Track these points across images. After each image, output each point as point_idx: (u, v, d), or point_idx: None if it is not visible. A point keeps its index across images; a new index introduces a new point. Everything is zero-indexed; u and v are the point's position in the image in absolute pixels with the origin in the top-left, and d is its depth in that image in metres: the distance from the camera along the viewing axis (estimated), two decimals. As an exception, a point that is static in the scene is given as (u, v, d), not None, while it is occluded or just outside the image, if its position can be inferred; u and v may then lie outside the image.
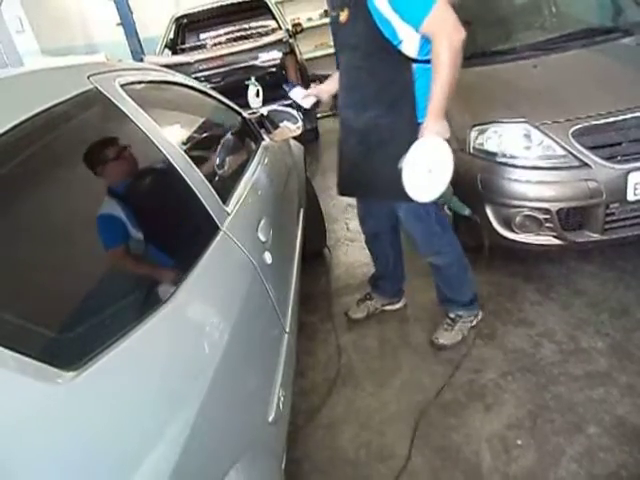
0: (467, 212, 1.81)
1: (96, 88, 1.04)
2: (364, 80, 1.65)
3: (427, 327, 2.09)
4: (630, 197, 1.94)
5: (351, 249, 2.93)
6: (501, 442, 1.57)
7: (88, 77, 1.04)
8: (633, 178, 1.91)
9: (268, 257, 1.33)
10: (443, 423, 1.67)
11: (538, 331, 1.99)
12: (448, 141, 1.72)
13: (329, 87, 1.98)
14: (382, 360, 2.03)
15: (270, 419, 1.07)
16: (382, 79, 1.61)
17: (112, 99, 1.06)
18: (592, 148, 1.96)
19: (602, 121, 1.98)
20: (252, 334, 1.12)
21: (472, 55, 2.62)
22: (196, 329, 0.92)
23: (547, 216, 2.03)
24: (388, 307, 2.26)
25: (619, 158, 1.94)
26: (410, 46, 1.54)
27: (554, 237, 2.07)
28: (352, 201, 3.43)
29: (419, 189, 1.55)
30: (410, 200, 1.58)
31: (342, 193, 1.95)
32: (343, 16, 1.61)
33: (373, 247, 2.15)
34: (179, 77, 1.77)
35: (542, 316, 2.07)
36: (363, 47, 1.60)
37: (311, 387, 1.95)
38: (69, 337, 0.70)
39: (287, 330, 1.38)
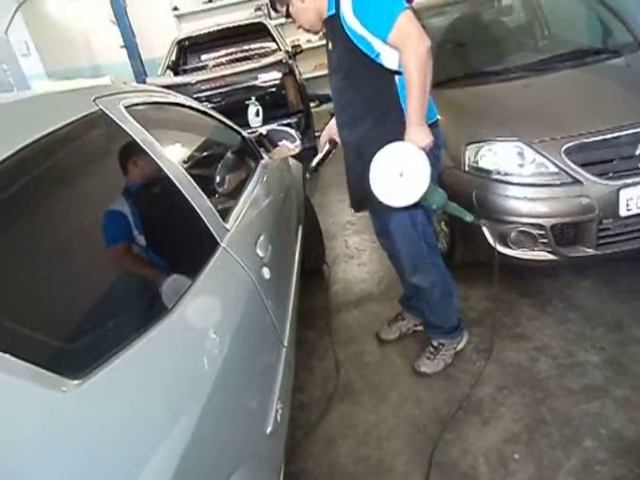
0: (469, 218, 1.71)
1: (101, 110, 1.08)
2: (351, 98, 1.70)
3: (425, 343, 2.10)
4: (622, 213, 1.97)
5: (349, 266, 2.96)
6: (498, 456, 1.58)
7: (94, 100, 1.09)
8: (624, 194, 1.95)
9: (266, 272, 1.36)
10: (441, 438, 1.68)
11: (535, 345, 2.01)
12: (439, 147, 1.75)
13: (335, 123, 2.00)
14: (380, 376, 2.04)
15: (268, 431, 1.09)
16: (367, 94, 1.66)
17: (117, 121, 1.10)
18: (584, 165, 2.00)
19: (593, 139, 2.03)
20: (250, 348, 1.14)
21: (466, 75, 2.71)
22: (197, 341, 0.95)
23: (541, 232, 2.06)
24: (421, 327, 2.15)
25: (610, 175, 1.99)
26: (389, 57, 1.58)
27: (549, 252, 2.10)
28: (351, 218, 3.49)
29: (388, 192, 1.55)
30: (398, 212, 1.60)
31: (353, 208, 1.95)
32: (329, 45, 1.70)
33: (394, 265, 2.06)
34: (180, 98, 1.83)
35: (539, 331, 2.09)
36: (346, 66, 1.65)
37: (309, 402, 1.96)
38: (75, 345, 0.73)
39: (285, 344, 1.41)
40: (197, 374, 0.89)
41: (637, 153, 1.99)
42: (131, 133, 1.13)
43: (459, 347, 2.03)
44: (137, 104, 1.32)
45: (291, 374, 1.47)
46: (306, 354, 2.21)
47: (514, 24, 3.33)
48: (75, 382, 0.65)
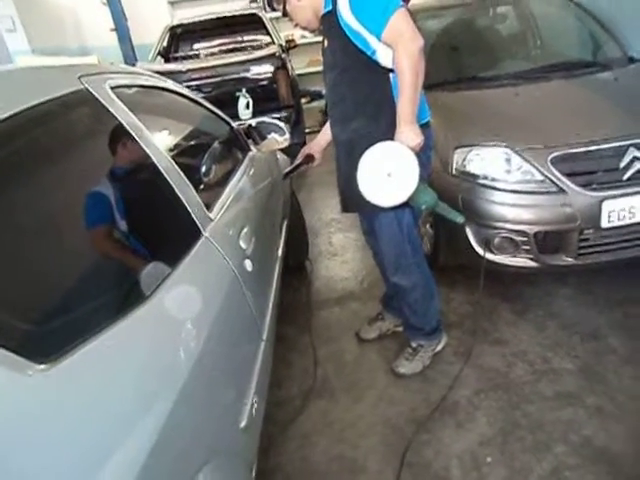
0: (460, 219, 1.68)
1: (86, 89, 1.05)
2: (345, 94, 1.69)
3: (404, 344, 2.10)
4: (604, 224, 2.00)
5: (332, 263, 2.96)
6: (472, 459, 1.59)
7: (79, 77, 1.05)
8: (607, 206, 1.98)
9: (249, 264, 1.34)
10: (415, 438, 1.68)
11: (512, 351, 2.03)
12: (430, 148, 1.75)
13: (320, 140, 2.03)
14: (358, 374, 2.04)
15: (242, 425, 1.07)
16: (361, 92, 1.65)
17: (101, 100, 1.07)
18: (569, 175, 2.02)
19: (579, 150, 2.05)
20: (228, 339, 1.13)
21: (458, 79, 2.72)
22: (173, 330, 0.92)
23: (524, 239, 2.08)
24: (400, 328, 2.14)
25: (594, 186, 2.01)
26: (384, 55, 1.58)
27: (531, 259, 2.12)
28: (336, 216, 3.48)
29: (376, 191, 1.55)
30: (384, 211, 1.59)
31: (342, 208, 1.93)
32: (325, 42, 1.69)
33: (378, 264, 2.06)
34: (170, 84, 1.79)
35: (517, 336, 2.11)
36: (341, 63, 1.65)
37: (286, 398, 1.94)
38: (44, 329, 0.70)
39: (264, 338, 1.39)
40: (172, 363, 0.87)
41: (621, 166, 2.02)
42: (116, 115, 1.10)
43: (438, 349, 2.04)
44: (124, 86, 1.29)
45: (269, 369, 1.45)
46: (285, 350, 2.19)
47: (507, 32, 3.36)
48: (42, 367, 0.63)
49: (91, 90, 1.05)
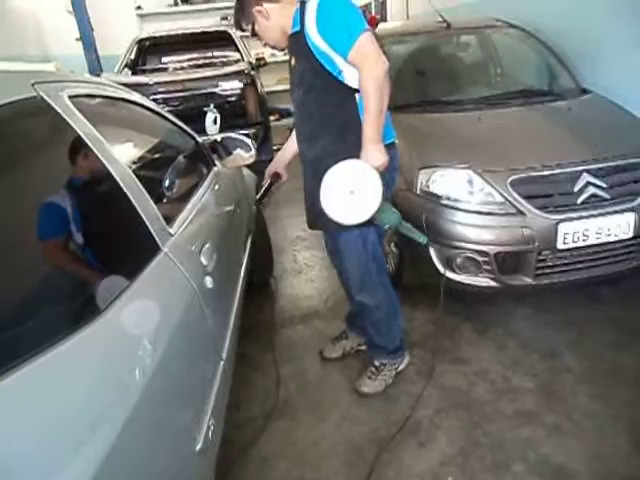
0: (423, 240, 1.68)
1: (40, 97, 1.01)
2: (312, 113, 1.71)
3: (367, 363, 2.09)
4: (560, 245, 2.07)
5: (297, 281, 2.93)
6: (433, 478, 1.58)
7: (33, 84, 1.01)
8: (562, 228, 2.05)
9: (209, 281, 1.31)
10: (377, 459, 1.66)
11: (473, 370, 2.05)
12: (395, 168, 1.78)
13: (283, 156, 2.04)
14: (321, 394, 2.01)
15: (197, 449, 1.03)
16: (328, 110, 1.67)
17: (57, 109, 1.03)
18: (527, 197, 2.09)
19: (536, 173, 2.13)
20: (185, 358, 1.09)
21: (423, 102, 2.80)
22: (126, 347, 0.88)
23: (486, 259, 2.12)
24: (364, 347, 2.13)
25: (551, 209, 2.09)
26: (351, 76, 1.61)
27: (491, 279, 2.17)
28: (301, 233, 3.47)
29: (339, 209, 1.55)
30: (349, 229, 1.60)
31: (309, 225, 1.92)
32: (292, 60, 1.71)
33: (342, 283, 2.02)
34: (135, 96, 1.76)
35: (478, 355, 2.14)
36: (308, 82, 1.67)
37: (247, 418, 1.89)
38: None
39: (223, 357, 1.35)
40: (123, 382, 0.83)
41: (575, 190, 2.10)
42: (73, 124, 1.06)
43: (400, 368, 2.04)
44: (84, 95, 1.25)
45: (227, 389, 1.40)
46: (247, 369, 2.14)
47: (470, 60, 3.49)
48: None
49: (46, 98, 1.01)
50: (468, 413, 1.83)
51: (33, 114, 1.01)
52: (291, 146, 1.97)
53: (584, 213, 2.07)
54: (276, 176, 2.04)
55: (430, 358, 2.12)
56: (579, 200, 2.09)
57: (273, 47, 1.79)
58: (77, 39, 5.49)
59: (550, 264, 2.13)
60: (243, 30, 1.78)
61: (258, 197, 2.11)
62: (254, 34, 1.73)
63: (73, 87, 1.21)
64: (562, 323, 2.29)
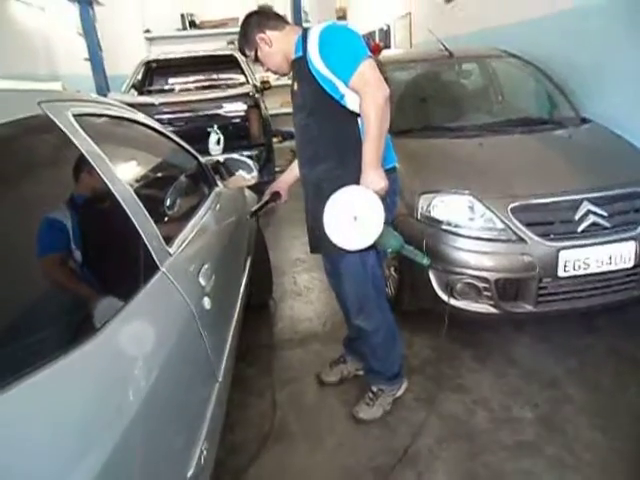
0: (426, 261, 1.68)
1: (46, 115, 1.02)
2: (314, 136, 1.72)
3: (365, 388, 2.06)
4: (560, 273, 2.06)
5: (297, 303, 2.91)
6: (430, 512, 1.54)
7: (39, 103, 1.02)
8: (563, 256, 2.05)
9: (207, 302, 1.29)
10: (374, 489, 1.62)
11: (473, 398, 2.02)
12: (395, 193, 1.78)
13: (287, 177, 2.06)
14: (318, 419, 1.97)
15: (189, 474, 1.00)
16: (330, 134, 1.69)
17: (61, 127, 1.04)
18: (528, 225, 2.09)
19: (537, 201, 2.14)
20: (180, 379, 1.07)
21: (424, 127, 2.82)
22: (121, 367, 0.87)
23: (486, 285, 2.11)
24: (362, 372, 2.11)
25: (551, 236, 2.08)
26: (352, 100, 1.62)
27: (491, 306, 2.15)
28: (302, 255, 3.47)
29: (342, 235, 1.55)
30: (350, 252, 1.60)
31: (310, 249, 1.91)
32: (295, 85, 1.74)
33: (341, 306, 2.00)
34: (140, 116, 1.78)
35: (478, 383, 2.11)
36: (310, 106, 1.69)
37: (242, 443, 1.85)
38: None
39: (219, 379, 1.33)
40: (115, 404, 0.81)
41: (576, 218, 2.11)
42: (77, 143, 1.07)
43: (398, 394, 2.01)
44: (89, 114, 1.26)
45: (223, 412, 1.38)
46: (243, 392, 2.11)
47: (472, 87, 3.54)
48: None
49: (51, 116, 1.02)
50: (468, 443, 1.79)
51: (38, 132, 1.01)
52: (294, 169, 1.98)
53: (585, 241, 2.07)
54: (276, 195, 2.04)
55: (429, 385, 2.09)
56: (580, 228, 2.09)
57: (275, 72, 1.82)
58: (86, 59, 5.60)
59: (551, 292, 2.12)
60: (246, 56, 1.82)
61: (253, 210, 2.11)
62: (257, 59, 1.77)
63: (78, 106, 1.22)
64: (563, 352, 2.26)
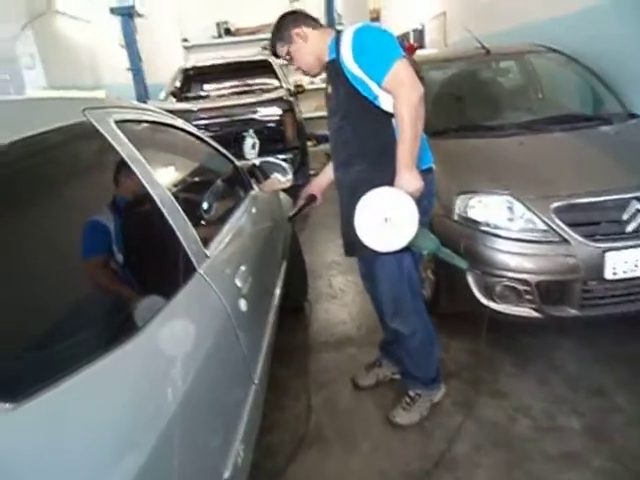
0: (463, 265, 1.66)
1: (89, 122, 1.05)
2: (348, 139, 1.71)
3: (402, 392, 2.03)
4: (607, 275, 1.97)
5: (332, 306, 2.91)
6: (470, 521, 1.49)
7: (83, 110, 1.06)
8: (610, 257, 1.95)
9: (243, 304, 1.31)
10: (411, 496, 1.59)
11: (514, 404, 1.95)
12: (432, 194, 1.75)
13: (321, 180, 2.05)
14: (353, 423, 1.95)
15: (226, 476, 1.01)
16: (364, 136, 1.67)
17: (104, 133, 1.07)
18: (572, 225, 2.01)
19: (581, 200, 2.05)
20: (217, 381, 1.08)
21: (461, 127, 2.76)
22: (160, 368, 0.88)
23: (527, 288, 2.04)
24: (398, 376, 2.08)
25: (597, 237, 1.99)
26: (387, 100, 1.61)
27: (533, 309, 2.08)
28: (337, 258, 3.46)
29: (374, 237, 1.53)
30: (385, 255, 1.57)
31: (346, 252, 1.90)
32: (329, 88, 1.74)
33: (376, 309, 1.98)
34: (178, 121, 1.82)
35: (518, 389, 2.04)
36: (344, 108, 1.68)
37: (277, 445, 1.85)
38: (17, 364, 0.67)
39: (256, 381, 1.33)
40: (154, 405, 0.83)
41: (624, 218, 2.01)
42: (118, 148, 1.10)
43: (436, 399, 1.96)
44: (129, 120, 1.30)
45: (259, 414, 1.38)
46: (279, 393, 2.11)
47: (510, 85, 3.45)
48: (7, 405, 0.59)
49: (94, 123, 1.06)
50: (508, 451, 1.73)
51: (82, 138, 1.05)
52: (329, 171, 1.98)
53: (633, 242, 1.97)
54: (311, 198, 2.05)
55: (467, 389, 2.03)
56: (629, 228, 1.99)
57: (305, 73, 1.81)
58: (127, 69, 5.80)
59: (597, 295, 2.03)
60: (277, 55, 1.79)
61: (291, 215, 2.13)
62: (288, 57, 1.75)
63: (119, 113, 1.26)
64: (610, 359, 2.16)
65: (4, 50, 4.19)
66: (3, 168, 0.79)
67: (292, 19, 1.72)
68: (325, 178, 2.03)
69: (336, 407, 2.05)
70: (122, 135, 1.16)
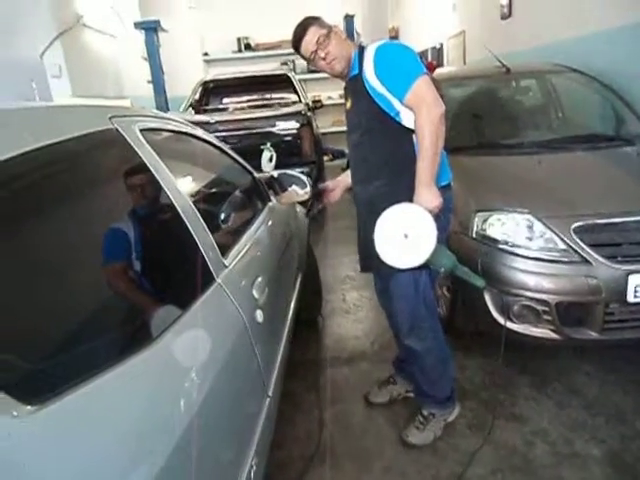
0: (480, 283, 1.63)
1: (116, 129, 1.07)
2: (368, 154, 1.71)
3: (415, 411, 1.98)
4: (630, 298, 1.92)
5: (345, 321, 2.88)
6: None
7: (110, 118, 1.08)
8: (633, 280, 1.91)
9: (260, 315, 1.30)
10: (424, 519, 1.54)
11: (532, 429, 1.90)
12: (450, 210, 1.73)
13: (343, 179, 2.02)
14: (365, 441, 1.92)
15: (238, 490, 0.99)
16: (384, 152, 1.67)
17: (129, 141, 1.09)
18: (593, 246, 1.97)
19: (603, 220, 2.01)
20: (232, 393, 1.07)
21: (480, 144, 2.75)
22: (175, 378, 0.88)
23: (546, 308, 2.00)
24: (412, 394, 2.05)
25: (619, 258, 1.95)
26: (408, 117, 1.60)
27: (552, 331, 2.03)
28: (351, 273, 3.44)
29: (392, 253, 1.52)
30: (401, 271, 1.56)
31: (361, 267, 1.88)
32: (349, 103, 1.74)
33: (391, 325, 1.96)
34: (199, 131, 1.84)
35: (536, 413, 1.98)
36: (365, 124, 1.68)
37: (288, 460, 1.82)
38: (38, 367, 0.66)
39: (270, 394, 1.32)
40: (169, 414, 0.82)
41: (647, 240, 1.96)
42: (142, 156, 1.12)
43: (450, 419, 1.92)
44: (153, 129, 1.32)
45: (272, 428, 1.36)
46: (290, 408, 2.09)
47: (530, 103, 3.43)
48: (28, 407, 0.58)
49: (120, 130, 1.08)
50: (525, 477, 1.68)
51: (109, 144, 1.07)
52: (348, 177, 1.94)
53: (658, 265, 1.92)
54: (323, 193, 2.03)
55: (483, 411, 1.99)
56: (653, 251, 1.95)
57: (327, 68, 1.68)
58: (149, 81, 5.92)
59: (619, 318, 1.97)
60: (299, 45, 1.67)
61: (307, 208, 2.07)
62: (316, 46, 1.63)
63: (144, 121, 1.28)
64: (632, 385, 2.09)
65: (33, 59, 4.33)
66: (33, 172, 0.80)
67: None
68: (347, 179, 1.96)
69: (348, 424, 2.02)
70: (146, 143, 1.17)
